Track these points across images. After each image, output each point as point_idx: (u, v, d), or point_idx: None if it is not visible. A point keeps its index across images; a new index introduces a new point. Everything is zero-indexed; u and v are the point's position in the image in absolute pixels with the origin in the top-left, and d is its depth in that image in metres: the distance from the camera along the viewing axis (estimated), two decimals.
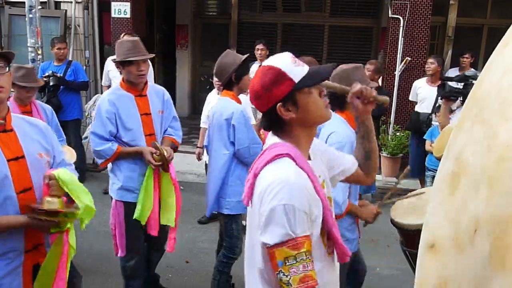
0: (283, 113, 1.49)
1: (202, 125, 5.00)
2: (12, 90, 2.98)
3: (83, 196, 1.97)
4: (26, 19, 5.81)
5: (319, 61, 8.85)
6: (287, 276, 1.39)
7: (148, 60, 3.26)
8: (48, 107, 3.88)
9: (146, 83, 3.24)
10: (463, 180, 1.45)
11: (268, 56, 5.38)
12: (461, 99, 3.91)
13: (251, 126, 3.11)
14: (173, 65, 9.81)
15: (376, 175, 2.68)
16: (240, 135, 3.08)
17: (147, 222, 3.17)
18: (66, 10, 7.33)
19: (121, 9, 7.32)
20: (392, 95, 6.64)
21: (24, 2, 5.88)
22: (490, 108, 1.62)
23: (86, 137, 5.68)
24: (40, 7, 5.94)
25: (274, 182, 1.43)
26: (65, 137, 3.99)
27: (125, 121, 3.12)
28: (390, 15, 6.80)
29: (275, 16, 9.17)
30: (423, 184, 5.56)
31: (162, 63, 9.99)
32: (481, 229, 1.46)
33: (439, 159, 1.96)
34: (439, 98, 4.08)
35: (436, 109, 5.18)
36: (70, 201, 1.99)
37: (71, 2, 7.31)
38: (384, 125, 6.66)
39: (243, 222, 3.87)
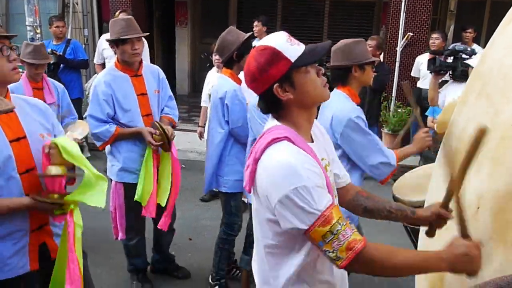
0: (280, 94, 1.45)
1: (202, 104, 4.98)
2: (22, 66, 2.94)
3: (88, 164, 1.92)
4: None
5: (319, 37, 8.78)
6: (332, 252, 1.37)
7: (144, 39, 3.22)
8: (60, 85, 3.88)
9: (141, 62, 3.20)
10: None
11: (267, 33, 5.31)
12: (451, 73, 3.89)
13: (245, 106, 3.08)
14: (172, 43, 9.73)
15: None
16: (233, 115, 3.07)
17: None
18: None
19: None
20: (394, 71, 6.58)
21: None
22: (493, 84, 1.61)
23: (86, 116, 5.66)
24: None
25: (277, 169, 1.41)
26: (77, 115, 4.01)
27: (122, 102, 3.11)
28: None
29: None
30: (426, 161, 5.55)
31: (161, 41, 9.90)
32: (483, 205, 1.47)
33: (442, 135, 1.95)
34: (429, 72, 4.06)
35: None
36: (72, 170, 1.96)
37: None
38: (386, 102, 6.62)
39: (245, 200, 3.89)
